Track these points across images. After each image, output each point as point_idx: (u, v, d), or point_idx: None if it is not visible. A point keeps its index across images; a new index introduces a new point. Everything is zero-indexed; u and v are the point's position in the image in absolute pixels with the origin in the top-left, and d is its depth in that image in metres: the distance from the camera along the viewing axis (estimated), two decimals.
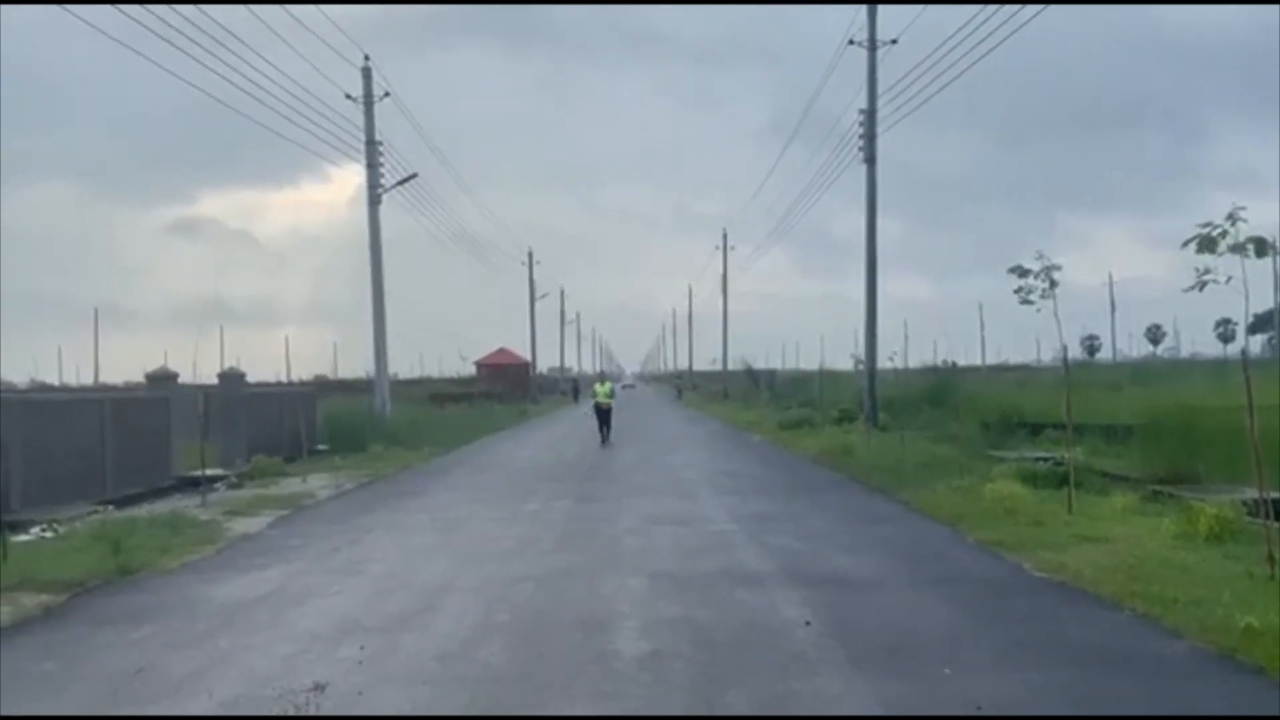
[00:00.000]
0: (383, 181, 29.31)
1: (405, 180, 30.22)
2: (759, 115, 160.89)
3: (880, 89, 26.31)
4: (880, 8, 26.07)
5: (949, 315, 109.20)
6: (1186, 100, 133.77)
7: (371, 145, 29.01)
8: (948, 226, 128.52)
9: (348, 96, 28.55)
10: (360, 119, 28.83)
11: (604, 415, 26.81)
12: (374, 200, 29.20)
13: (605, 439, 26.23)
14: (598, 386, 28.50)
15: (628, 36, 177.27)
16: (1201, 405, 15.14)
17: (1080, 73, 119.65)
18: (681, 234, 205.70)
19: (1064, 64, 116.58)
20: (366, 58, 28.92)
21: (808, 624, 7.05)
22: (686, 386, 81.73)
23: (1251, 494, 9.88)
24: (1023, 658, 6.23)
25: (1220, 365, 37.19)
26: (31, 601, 8.22)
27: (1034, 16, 17.50)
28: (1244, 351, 11.28)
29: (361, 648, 6.63)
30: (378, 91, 29.03)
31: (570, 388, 77.48)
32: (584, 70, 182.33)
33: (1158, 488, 12.83)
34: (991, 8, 18.60)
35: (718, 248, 66.34)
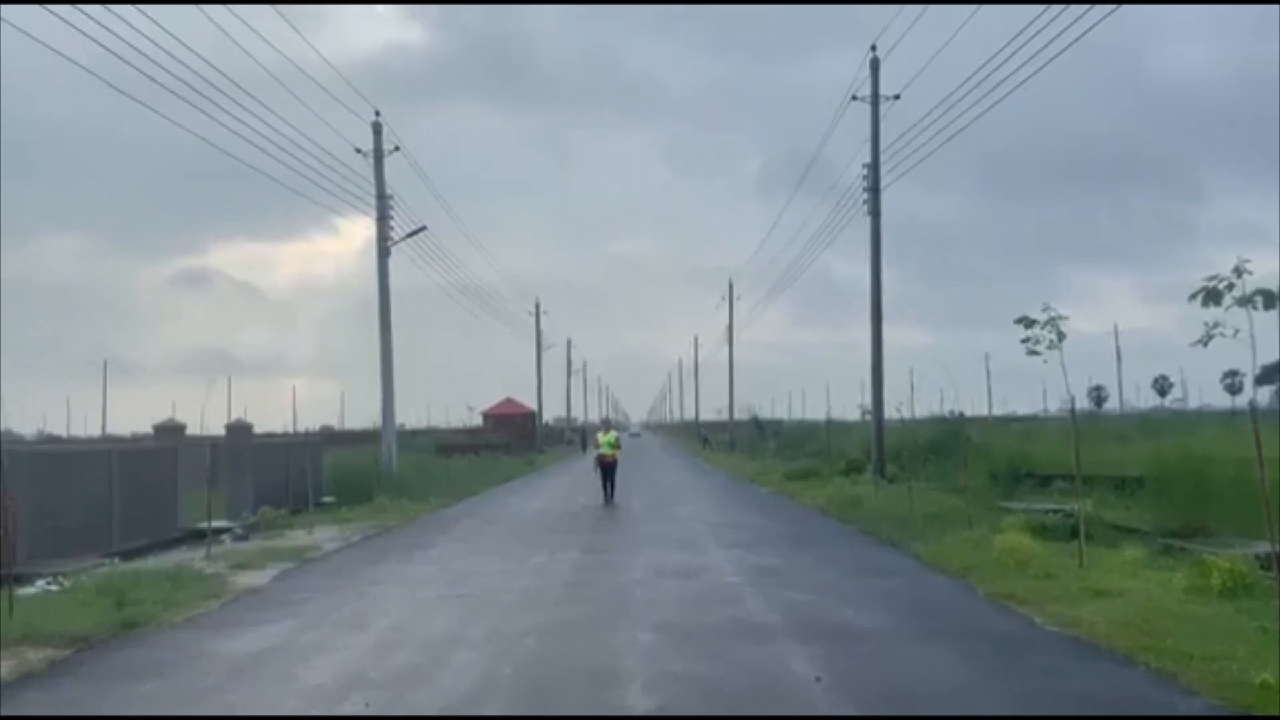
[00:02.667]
0: (392, 234, 29.54)
1: (414, 233, 30.48)
2: (757, 167, 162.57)
3: (882, 143, 26.64)
4: (883, 64, 26.50)
5: (952, 366, 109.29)
6: (1182, 156, 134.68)
7: (382, 199, 29.23)
8: (949, 279, 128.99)
9: (358, 151, 28.83)
10: (368, 172, 29.12)
11: (608, 470, 23.61)
12: (383, 253, 29.39)
13: (609, 498, 23.23)
14: (602, 436, 24.62)
15: (622, 94, 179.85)
16: (1211, 457, 15.06)
17: (1077, 130, 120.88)
18: (686, 285, 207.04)
19: (1060, 120, 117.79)
20: (377, 113, 29.33)
21: (818, 679, 6.96)
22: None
23: (1264, 547, 9.80)
24: (1038, 714, 6.14)
25: (1229, 416, 37.03)
26: (36, 656, 8.16)
27: (1036, 73, 17.77)
28: (1252, 403, 11.25)
29: (366, 705, 6.57)
30: (387, 146, 29.37)
31: (578, 437, 77.36)
32: (581, 126, 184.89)
33: (1169, 541, 12.72)
34: (993, 64, 18.88)
35: (723, 298, 66.50)
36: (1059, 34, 16.36)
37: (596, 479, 24.05)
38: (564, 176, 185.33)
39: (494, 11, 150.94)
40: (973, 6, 20.80)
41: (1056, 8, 16.03)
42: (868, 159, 26.96)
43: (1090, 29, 15.54)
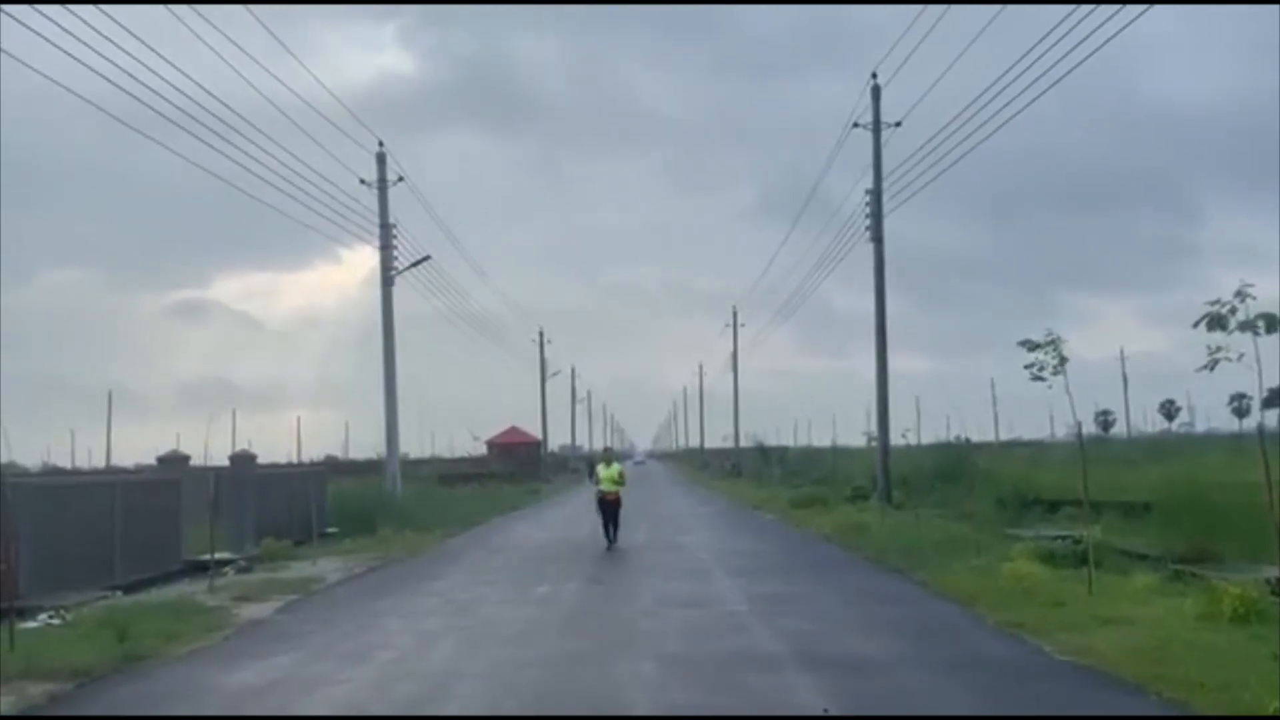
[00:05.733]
0: (396, 263, 29.56)
1: (418, 263, 30.45)
2: (758, 192, 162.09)
3: (884, 169, 26.76)
4: (884, 90, 26.67)
5: (956, 392, 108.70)
6: (1182, 178, 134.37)
7: (385, 229, 29.20)
8: (950, 305, 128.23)
9: (362, 182, 28.85)
10: (371, 201, 29.07)
11: (610, 510, 20.08)
12: (387, 282, 29.40)
13: (612, 540, 19.89)
14: (602, 469, 20.94)
15: (620, 120, 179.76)
16: (1219, 481, 14.96)
17: (1076, 154, 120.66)
18: (689, 311, 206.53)
19: (1059, 144, 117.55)
20: (381, 144, 29.36)
21: (825, 710, 6.89)
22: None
23: (1274, 572, 9.72)
24: None
25: (1236, 440, 36.82)
26: (37, 690, 8.11)
27: (1036, 99, 17.84)
28: (1260, 426, 11.22)
29: None
30: (391, 176, 29.43)
31: (584, 465, 77.10)
32: (579, 153, 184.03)
33: (1179, 567, 12.61)
34: (994, 90, 18.97)
35: (727, 325, 66.60)
36: (1061, 58, 16.41)
37: (598, 519, 20.31)
38: (564, 203, 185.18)
39: (487, 39, 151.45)
40: (974, 32, 20.97)
41: (1057, 33, 16.09)
42: (869, 185, 27.08)
43: (1097, 50, 15.55)
